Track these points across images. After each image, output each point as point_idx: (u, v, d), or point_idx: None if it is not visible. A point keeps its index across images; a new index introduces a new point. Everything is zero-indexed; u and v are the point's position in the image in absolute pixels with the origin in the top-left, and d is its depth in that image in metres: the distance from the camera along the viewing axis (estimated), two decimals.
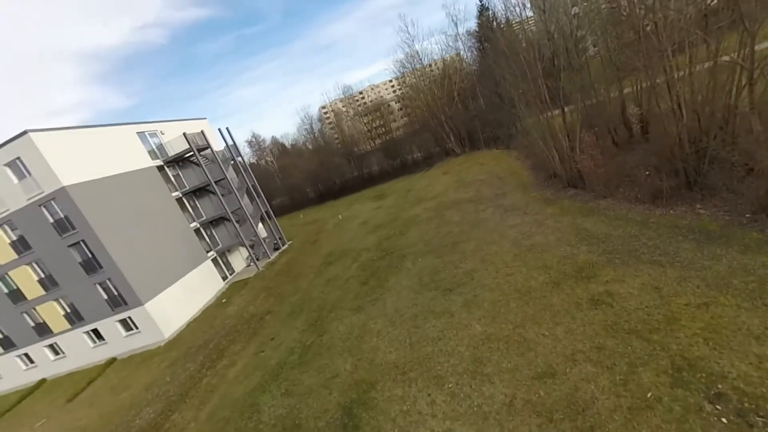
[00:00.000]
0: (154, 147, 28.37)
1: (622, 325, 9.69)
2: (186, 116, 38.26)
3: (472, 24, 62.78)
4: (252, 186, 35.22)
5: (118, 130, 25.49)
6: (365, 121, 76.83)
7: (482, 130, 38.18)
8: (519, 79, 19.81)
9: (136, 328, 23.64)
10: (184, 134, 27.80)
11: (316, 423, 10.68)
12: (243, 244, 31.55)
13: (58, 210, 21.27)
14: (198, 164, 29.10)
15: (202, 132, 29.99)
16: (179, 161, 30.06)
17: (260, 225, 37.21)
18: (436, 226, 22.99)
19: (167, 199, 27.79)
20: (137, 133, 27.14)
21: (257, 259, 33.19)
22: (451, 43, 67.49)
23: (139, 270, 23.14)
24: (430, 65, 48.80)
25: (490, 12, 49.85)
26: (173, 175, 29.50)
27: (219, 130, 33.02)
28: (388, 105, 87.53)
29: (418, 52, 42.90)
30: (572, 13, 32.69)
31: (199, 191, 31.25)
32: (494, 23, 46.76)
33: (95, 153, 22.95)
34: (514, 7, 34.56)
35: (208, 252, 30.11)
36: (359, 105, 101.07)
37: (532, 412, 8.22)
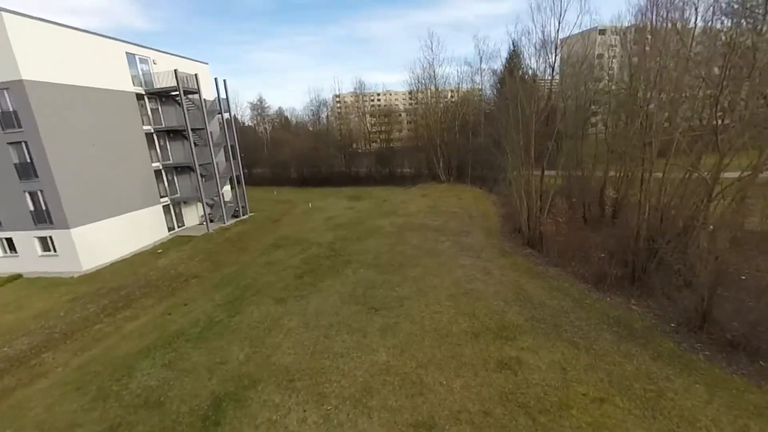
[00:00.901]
0: (141, 73, 26.92)
1: (518, 396, 9.37)
2: (198, 58, 36.11)
3: (498, 64, 62.94)
4: (231, 146, 33.93)
5: (106, 43, 24.03)
6: (372, 122, 76.20)
7: (473, 166, 38.38)
8: (513, 130, 19.78)
9: (54, 250, 21.99)
10: (175, 71, 26.53)
11: (180, 406, 9.83)
12: (201, 201, 30.14)
13: (8, 102, 19.66)
14: (180, 105, 27.73)
15: (195, 75, 28.74)
16: (162, 96, 28.65)
17: (227, 188, 36.02)
18: (392, 243, 22.55)
19: (136, 130, 26.30)
20: (127, 53, 25.67)
21: (211, 221, 31.85)
22: (470, 75, 67.61)
23: (77, 191, 21.58)
24: (446, 90, 48.88)
25: (519, 59, 50.52)
26: (151, 108, 28.03)
27: (215, 80, 31.84)
28: (399, 114, 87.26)
29: (434, 73, 42.77)
30: (589, 86, 33.47)
31: (174, 133, 29.83)
32: (519, 72, 47.50)
33: (72, 58, 21.43)
34: (542, 64, 34.86)
35: (162, 197, 28.61)
36: (372, 105, 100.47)
37: None
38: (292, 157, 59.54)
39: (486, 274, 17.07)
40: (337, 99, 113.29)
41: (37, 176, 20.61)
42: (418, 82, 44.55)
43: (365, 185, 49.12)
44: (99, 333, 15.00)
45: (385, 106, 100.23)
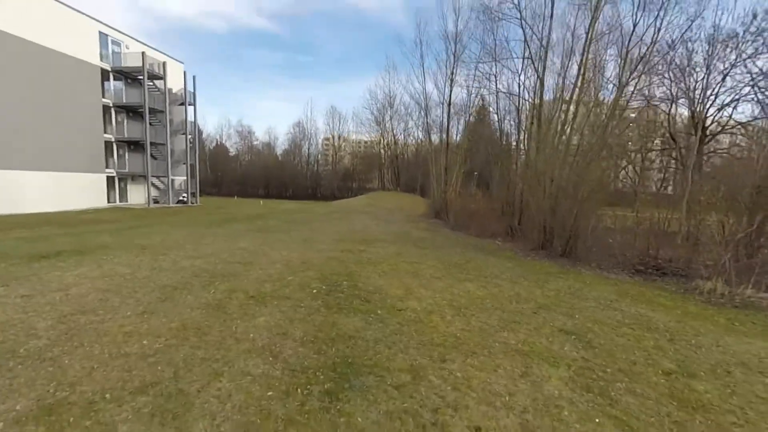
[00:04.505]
0: (110, 53, 29.11)
1: (343, 257, 9.97)
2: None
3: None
4: (191, 134, 35.45)
5: (81, 17, 26.34)
6: (353, 163, 79.06)
7: (423, 180, 40.75)
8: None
9: None
10: (143, 53, 28.87)
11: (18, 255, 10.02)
12: (147, 178, 30.76)
13: None
14: (142, 85, 29.66)
15: (163, 63, 31.17)
16: (129, 78, 30.65)
17: (182, 179, 36.65)
18: (316, 215, 23.45)
19: (94, 100, 27.77)
20: (100, 32, 28.04)
21: (155, 202, 32.26)
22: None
23: (12, 133, 22.27)
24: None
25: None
26: (115, 86, 29.84)
27: (184, 72, 34.33)
28: (381, 158, 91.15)
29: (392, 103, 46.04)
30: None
31: (134, 113, 31.36)
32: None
33: (41, 20, 23.46)
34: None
35: (107, 168, 29.22)
36: (356, 147, 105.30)
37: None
38: (260, 175, 61.21)
39: (383, 228, 17.99)
40: (326, 141, 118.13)
41: None
42: (381, 108, 47.73)
43: (326, 200, 50.59)
44: None
45: (366, 147, 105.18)
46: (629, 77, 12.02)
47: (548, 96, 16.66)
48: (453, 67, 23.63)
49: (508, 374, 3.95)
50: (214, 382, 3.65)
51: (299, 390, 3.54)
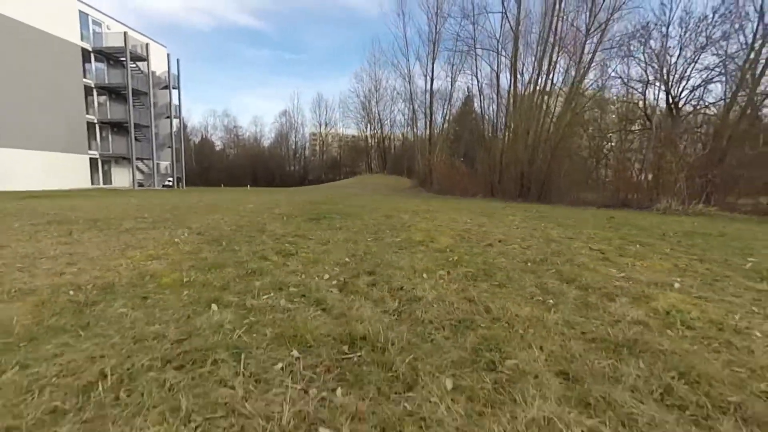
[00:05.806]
0: (91, 33, 28.72)
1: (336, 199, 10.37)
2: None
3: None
4: (176, 117, 35.17)
5: None
6: (340, 152, 78.57)
7: (409, 164, 41.29)
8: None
9: None
10: (125, 33, 28.55)
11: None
12: (131, 160, 30.46)
13: None
14: (124, 66, 29.34)
15: (146, 45, 30.86)
16: (111, 59, 30.26)
17: (167, 164, 36.26)
18: (302, 191, 23.76)
19: (74, 80, 27.39)
20: (80, 11, 27.65)
21: (140, 185, 31.95)
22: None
23: None
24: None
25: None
26: (97, 67, 29.43)
27: (167, 55, 34.01)
28: (369, 149, 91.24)
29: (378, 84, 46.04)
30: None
31: (117, 95, 30.97)
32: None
33: None
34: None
35: (89, 150, 28.83)
36: (342, 140, 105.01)
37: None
38: (247, 165, 60.71)
39: (368, 193, 18.44)
40: (314, 136, 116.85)
41: None
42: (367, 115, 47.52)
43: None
44: None
45: (353, 140, 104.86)
46: (592, 22, 12.51)
47: (526, 54, 17.08)
48: (435, 39, 23.89)
49: (472, 219, 4.46)
50: (207, 215, 4.05)
51: (284, 218, 3.99)
